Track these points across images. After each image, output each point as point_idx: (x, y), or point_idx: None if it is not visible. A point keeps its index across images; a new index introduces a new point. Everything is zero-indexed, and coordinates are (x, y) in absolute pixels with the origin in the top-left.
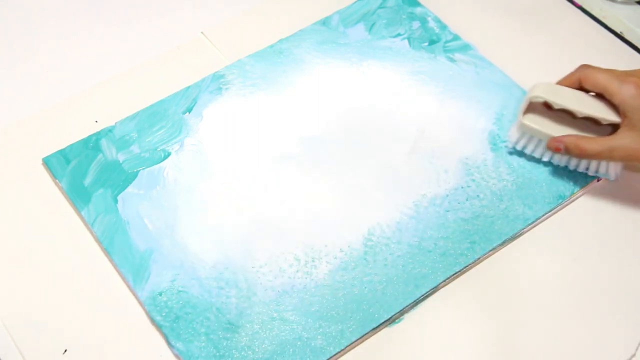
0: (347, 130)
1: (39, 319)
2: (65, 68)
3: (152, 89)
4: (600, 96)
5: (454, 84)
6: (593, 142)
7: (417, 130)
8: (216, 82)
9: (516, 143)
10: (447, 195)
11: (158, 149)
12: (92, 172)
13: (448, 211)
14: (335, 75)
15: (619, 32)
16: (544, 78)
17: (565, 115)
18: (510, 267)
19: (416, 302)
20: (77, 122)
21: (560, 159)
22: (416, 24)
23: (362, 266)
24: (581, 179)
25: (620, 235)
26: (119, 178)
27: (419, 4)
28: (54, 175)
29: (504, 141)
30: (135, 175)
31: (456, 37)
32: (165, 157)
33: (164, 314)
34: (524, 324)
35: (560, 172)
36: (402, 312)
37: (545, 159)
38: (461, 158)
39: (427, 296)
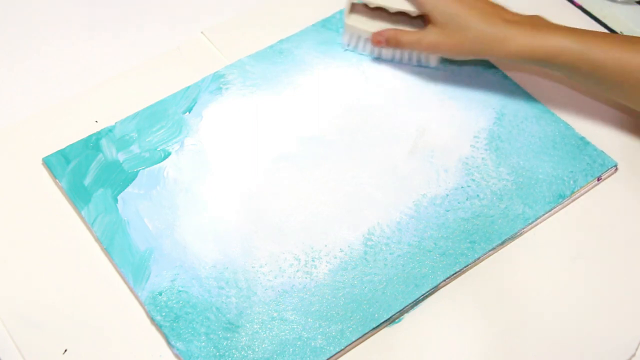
0: (347, 130)
1: (39, 319)
2: (65, 68)
3: (152, 89)
4: None
5: (454, 84)
6: (407, 34)
7: (417, 130)
8: (216, 82)
9: (348, 44)
10: (447, 195)
11: (158, 149)
12: (92, 172)
13: (448, 211)
14: (335, 75)
15: (619, 32)
16: (544, 78)
17: (383, 13)
18: (510, 267)
19: (416, 302)
20: (77, 122)
21: (386, 54)
22: None
23: (362, 266)
24: (581, 179)
25: (620, 235)
26: (119, 178)
27: None
28: (54, 175)
29: (504, 141)
30: (135, 175)
31: None
32: (165, 157)
33: (164, 314)
34: (523, 324)
35: (561, 172)
36: (402, 312)
37: (374, 54)
38: (461, 158)
39: (427, 296)
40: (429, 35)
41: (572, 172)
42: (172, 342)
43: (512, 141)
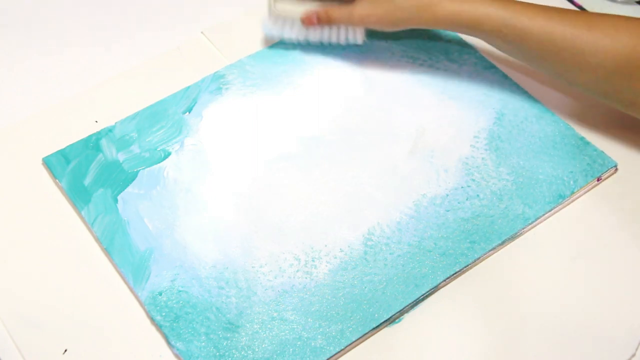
0: (347, 130)
1: (39, 319)
2: (65, 68)
3: (152, 89)
4: None
5: (454, 84)
6: (337, 10)
7: (417, 130)
8: (216, 82)
9: (271, 32)
10: (447, 195)
11: (158, 149)
12: (92, 172)
13: (448, 211)
14: (335, 75)
15: None
16: (543, 77)
17: None
18: (510, 267)
19: (416, 302)
20: (77, 122)
21: (314, 35)
22: None
23: (362, 266)
24: (581, 179)
25: (620, 235)
26: (119, 178)
27: None
28: (54, 175)
29: (504, 141)
30: (135, 175)
31: (456, 37)
32: (165, 157)
33: (164, 314)
34: (523, 324)
35: (561, 172)
36: (402, 312)
37: (301, 38)
38: (461, 158)
39: (427, 296)
40: (358, 7)
41: (572, 172)
42: (172, 342)
43: (512, 141)
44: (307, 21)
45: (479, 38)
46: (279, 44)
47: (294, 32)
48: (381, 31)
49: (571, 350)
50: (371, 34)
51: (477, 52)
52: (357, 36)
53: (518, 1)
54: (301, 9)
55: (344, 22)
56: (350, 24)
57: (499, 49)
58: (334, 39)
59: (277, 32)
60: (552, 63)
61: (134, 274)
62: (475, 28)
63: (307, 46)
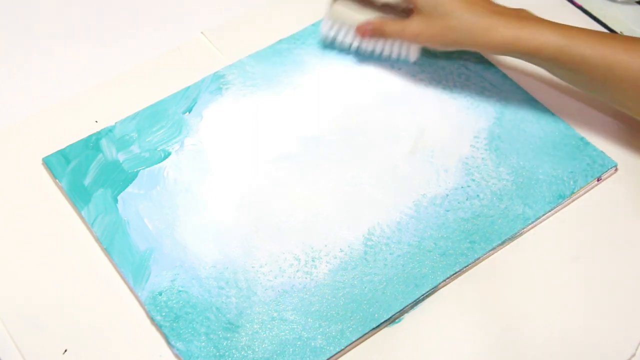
0: (347, 130)
1: (39, 319)
2: (65, 68)
3: (152, 89)
4: None
5: (454, 84)
6: (390, 24)
7: (417, 130)
8: (216, 82)
9: (328, 33)
10: (447, 195)
11: (158, 149)
12: (92, 172)
13: (448, 211)
14: (335, 75)
15: (619, 32)
16: (543, 77)
17: (368, 4)
18: (510, 267)
19: (416, 302)
20: (77, 122)
21: (366, 46)
22: None
23: (362, 266)
24: (581, 179)
25: (620, 235)
26: (119, 178)
27: None
28: (54, 175)
29: (504, 141)
30: (135, 175)
31: None
32: (165, 157)
33: (164, 314)
34: (523, 324)
35: (561, 172)
36: (402, 312)
37: (353, 46)
38: (461, 158)
39: (427, 296)
40: (412, 24)
41: (572, 172)
42: (172, 342)
43: (512, 141)
44: (361, 32)
45: (535, 64)
46: (279, 44)
47: (347, 39)
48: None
49: (571, 350)
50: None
51: (478, 52)
52: (411, 53)
53: (576, 27)
54: (358, 16)
55: (396, 37)
56: (402, 40)
57: (556, 76)
58: (386, 52)
59: (332, 34)
60: (613, 92)
61: (134, 274)
62: (532, 55)
63: (307, 46)
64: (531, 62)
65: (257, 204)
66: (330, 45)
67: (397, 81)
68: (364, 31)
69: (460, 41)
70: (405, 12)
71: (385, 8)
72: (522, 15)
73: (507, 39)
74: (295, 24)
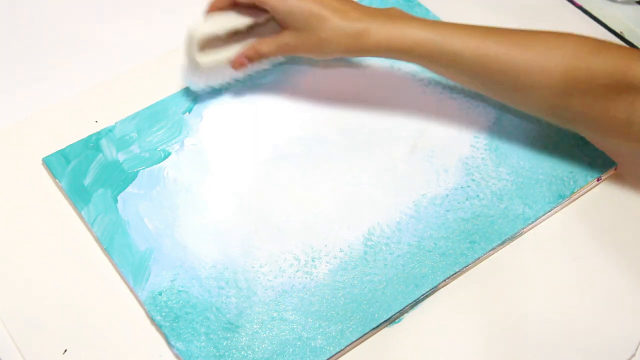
0: (347, 130)
1: (39, 319)
2: (65, 68)
3: (152, 89)
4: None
5: (454, 84)
6: (265, 44)
7: (417, 130)
8: None
9: (202, 86)
10: (447, 195)
11: (158, 149)
12: (92, 172)
13: (448, 211)
14: (335, 75)
15: (619, 32)
16: None
17: (234, 38)
18: (510, 267)
19: (416, 302)
20: (77, 122)
21: (244, 74)
22: None
23: (362, 266)
24: (581, 179)
25: (620, 235)
26: (119, 178)
27: (419, 4)
28: (54, 175)
29: (504, 141)
30: (135, 175)
31: None
32: (165, 157)
33: (164, 314)
34: (523, 324)
35: (560, 172)
36: (402, 312)
37: (231, 80)
38: (461, 158)
39: (427, 296)
40: (286, 38)
41: (572, 172)
42: (172, 342)
43: (512, 141)
44: (238, 64)
45: (410, 62)
46: None
47: (224, 77)
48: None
49: (571, 350)
50: None
51: None
52: (280, 57)
53: (450, 23)
54: (226, 53)
55: (273, 55)
56: (279, 55)
57: (436, 73)
58: (263, 67)
59: (203, 84)
60: (489, 85)
61: (134, 274)
62: (407, 54)
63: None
64: (408, 61)
65: (257, 204)
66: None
67: (397, 81)
68: (241, 63)
69: (337, 50)
70: (270, 23)
71: (250, 34)
72: (392, 15)
73: (380, 41)
74: None
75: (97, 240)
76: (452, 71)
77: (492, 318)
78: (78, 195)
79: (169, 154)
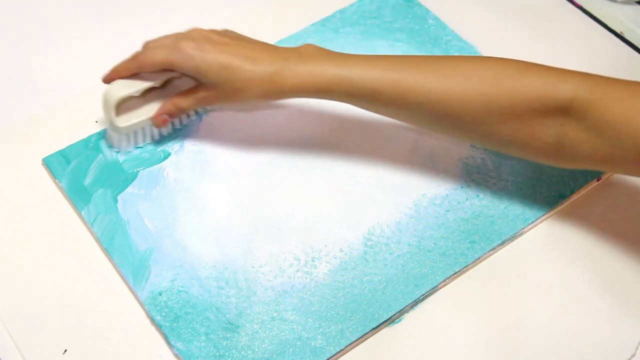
0: (347, 130)
1: (39, 319)
2: (65, 68)
3: None
4: None
5: None
6: (184, 98)
7: (417, 130)
8: None
9: (130, 148)
10: (447, 195)
11: (158, 149)
12: (92, 172)
13: (448, 211)
14: None
15: (619, 32)
16: None
17: (151, 94)
18: (510, 267)
19: (416, 302)
20: (77, 122)
21: (167, 130)
22: (416, 24)
23: (362, 266)
24: (581, 179)
25: (620, 235)
26: (119, 178)
27: (418, 4)
28: (54, 175)
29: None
30: (135, 175)
31: (456, 37)
32: (165, 157)
33: (163, 314)
34: (523, 324)
35: (560, 172)
36: (402, 312)
37: (154, 138)
38: (461, 158)
39: (427, 296)
40: (203, 92)
41: (572, 172)
42: (172, 342)
43: None
44: (160, 122)
45: (339, 101)
46: (279, 44)
47: (151, 134)
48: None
49: (571, 350)
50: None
51: (478, 52)
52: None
53: (367, 57)
54: (146, 112)
55: (194, 108)
56: (202, 106)
57: (363, 109)
58: (190, 117)
59: (131, 146)
60: (414, 117)
61: (134, 274)
62: (326, 94)
63: None
64: (330, 99)
65: (257, 204)
66: (330, 45)
67: None
68: (163, 120)
69: (255, 97)
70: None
71: (169, 90)
72: (306, 54)
73: (295, 83)
74: (294, 24)
75: (97, 240)
76: (375, 107)
77: (492, 318)
78: (78, 196)
79: (169, 154)
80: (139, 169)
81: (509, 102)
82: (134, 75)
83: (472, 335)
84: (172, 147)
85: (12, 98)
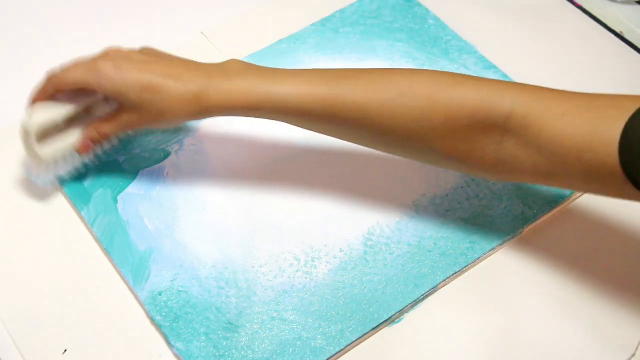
0: None
1: (39, 319)
2: None
3: None
4: None
5: None
6: (107, 124)
7: None
8: None
9: (51, 178)
10: (447, 195)
11: (158, 149)
12: (92, 173)
13: (448, 211)
14: None
15: (619, 32)
16: (543, 78)
17: (76, 122)
18: (510, 267)
19: (416, 302)
20: None
21: (95, 157)
22: (416, 24)
23: (362, 266)
24: None
25: (620, 235)
26: (119, 178)
27: (419, 4)
28: None
29: None
30: (135, 175)
31: (456, 37)
32: (165, 157)
33: (163, 314)
34: (523, 324)
35: None
36: (402, 312)
37: (80, 166)
38: None
39: (427, 296)
40: (125, 116)
41: None
42: (172, 342)
43: None
44: (84, 149)
45: (270, 120)
46: (279, 44)
47: (73, 163)
48: None
49: (571, 350)
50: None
51: (478, 52)
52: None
53: (296, 72)
54: (68, 140)
55: (118, 133)
56: (127, 130)
57: (295, 125)
58: (113, 144)
59: (52, 176)
60: (347, 134)
61: (134, 274)
62: (254, 112)
63: (307, 46)
64: (260, 118)
65: (257, 204)
66: (330, 45)
67: None
68: (86, 147)
69: (180, 117)
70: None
71: (87, 112)
72: (231, 70)
73: (221, 102)
74: (295, 24)
75: (97, 240)
76: (306, 124)
77: (492, 318)
78: (78, 196)
79: (169, 154)
80: (139, 169)
81: (444, 118)
82: (54, 101)
83: (472, 335)
84: (172, 146)
85: (12, 98)
